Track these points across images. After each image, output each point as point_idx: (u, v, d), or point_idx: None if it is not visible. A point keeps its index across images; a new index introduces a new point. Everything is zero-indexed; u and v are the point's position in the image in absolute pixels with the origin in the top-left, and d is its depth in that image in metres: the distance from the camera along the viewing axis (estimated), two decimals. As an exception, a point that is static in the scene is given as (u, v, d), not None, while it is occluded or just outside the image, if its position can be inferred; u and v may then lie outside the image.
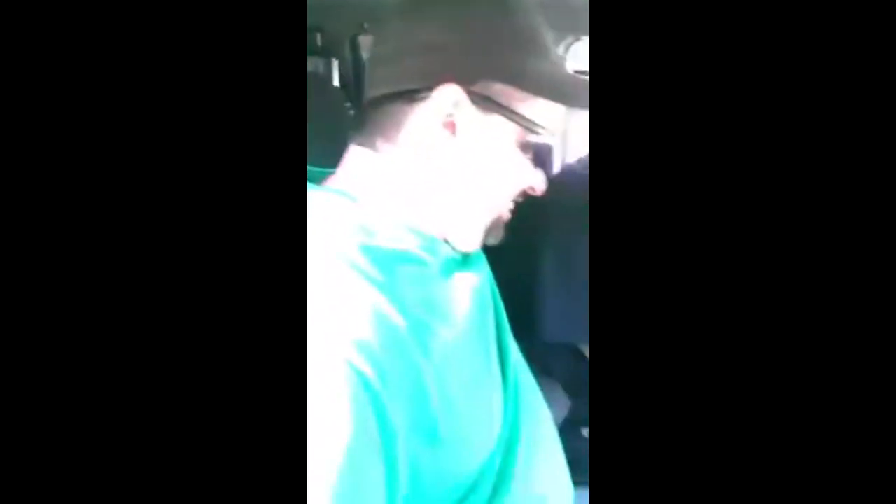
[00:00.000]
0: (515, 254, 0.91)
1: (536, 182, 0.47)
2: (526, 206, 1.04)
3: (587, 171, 0.92)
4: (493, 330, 0.49)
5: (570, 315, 0.79)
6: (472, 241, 0.47)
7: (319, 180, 0.46)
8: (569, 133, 1.31)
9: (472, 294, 0.45)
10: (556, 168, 1.26)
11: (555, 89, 0.44)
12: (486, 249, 0.96)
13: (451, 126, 0.42)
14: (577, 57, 1.23)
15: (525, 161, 0.45)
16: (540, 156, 0.47)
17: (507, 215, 0.48)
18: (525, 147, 0.45)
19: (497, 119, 0.43)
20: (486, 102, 0.42)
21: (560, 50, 1.19)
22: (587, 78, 0.49)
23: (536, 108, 0.44)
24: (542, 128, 0.44)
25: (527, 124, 0.43)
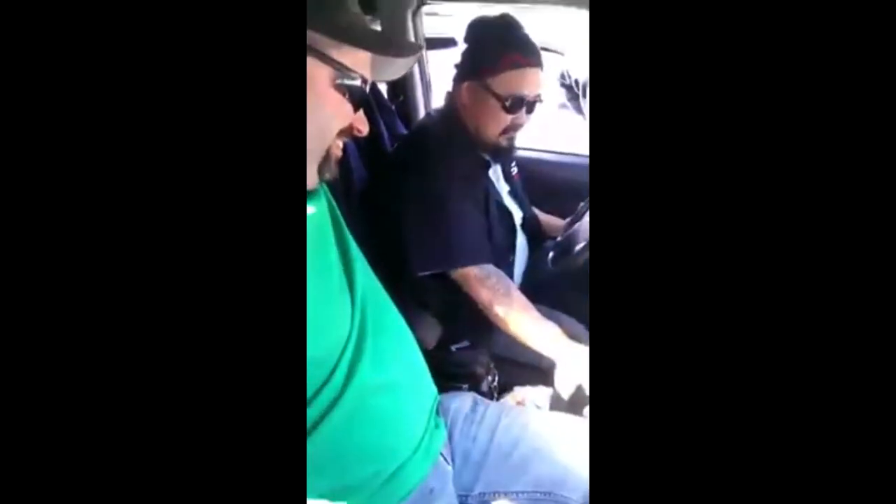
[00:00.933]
0: (383, 199, 0.97)
1: (359, 123, 0.56)
2: (389, 153, 1.09)
3: (444, 116, 1.00)
4: (337, 253, 0.57)
5: (433, 249, 0.89)
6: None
7: None
8: (432, 85, 1.38)
9: (308, 222, 0.53)
10: (420, 114, 1.33)
11: (356, 37, 0.51)
12: (353, 198, 1.02)
13: None
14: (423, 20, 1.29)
15: (342, 100, 0.53)
16: (357, 98, 0.55)
17: (337, 153, 0.56)
18: (340, 89, 0.53)
19: (311, 61, 0.50)
20: None
21: (408, 15, 1.24)
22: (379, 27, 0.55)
23: (346, 54, 0.51)
24: (351, 70, 0.52)
25: (337, 66, 0.51)
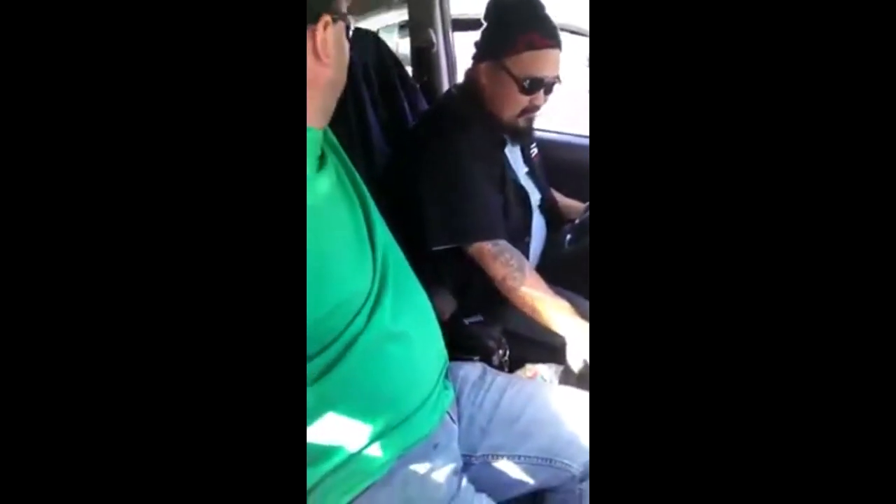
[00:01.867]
0: (400, 175, 1.00)
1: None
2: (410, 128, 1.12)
3: (463, 95, 1.00)
4: (360, 211, 0.61)
5: (448, 223, 0.91)
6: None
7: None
8: (458, 65, 1.39)
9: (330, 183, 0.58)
10: (445, 87, 1.35)
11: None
12: (375, 171, 1.05)
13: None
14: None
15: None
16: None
17: None
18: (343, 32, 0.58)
19: (338, 26, 0.56)
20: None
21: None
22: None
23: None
24: (346, 14, 0.57)
25: (343, 15, 0.56)
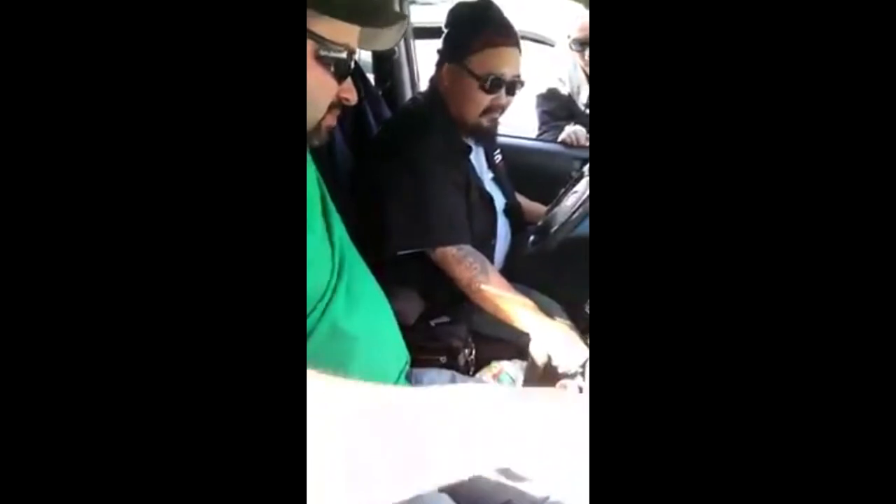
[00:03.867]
0: (366, 180, 1.01)
1: (346, 93, 0.58)
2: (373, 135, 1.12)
3: (427, 100, 1.02)
4: (319, 209, 0.61)
5: (411, 228, 0.93)
6: None
7: None
8: (420, 72, 1.41)
9: None
10: (407, 95, 1.36)
11: (336, 8, 0.52)
12: (339, 178, 1.06)
13: None
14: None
15: (325, 73, 0.54)
16: (341, 70, 0.56)
17: (330, 121, 0.58)
18: (323, 61, 0.54)
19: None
20: None
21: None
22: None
23: (328, 25, 0.52)
24: (333, 43, 0.53)
25: (318, 39, 0.52)
